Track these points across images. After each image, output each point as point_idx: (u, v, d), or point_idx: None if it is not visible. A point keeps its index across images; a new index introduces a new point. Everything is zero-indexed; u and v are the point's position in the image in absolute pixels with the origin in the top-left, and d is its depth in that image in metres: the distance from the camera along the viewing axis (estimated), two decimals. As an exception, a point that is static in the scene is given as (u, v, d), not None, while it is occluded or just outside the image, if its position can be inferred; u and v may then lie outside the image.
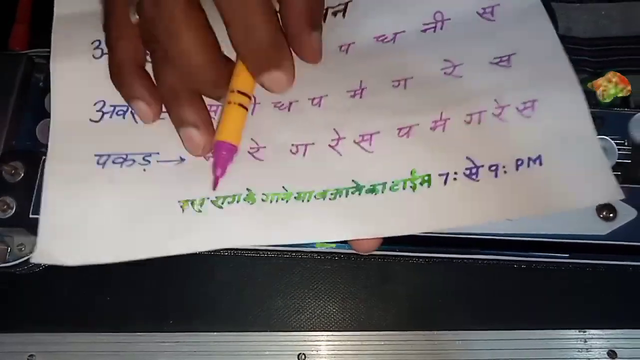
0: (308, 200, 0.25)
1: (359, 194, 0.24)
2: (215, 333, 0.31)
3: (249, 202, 0.25)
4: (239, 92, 0.24)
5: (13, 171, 0.28)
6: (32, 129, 0.30)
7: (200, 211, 0.24)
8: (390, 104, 0.26)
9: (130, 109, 0.26)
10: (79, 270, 0.30)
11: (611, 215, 0.27)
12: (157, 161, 0.25)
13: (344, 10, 0.28)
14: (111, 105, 0.26)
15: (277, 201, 0.25)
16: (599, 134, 0.29)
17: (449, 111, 0.25)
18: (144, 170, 0.25)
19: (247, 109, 0.25)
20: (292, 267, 0.32)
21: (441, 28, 0.28)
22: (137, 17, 0.24)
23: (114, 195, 0.25)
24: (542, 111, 0.24)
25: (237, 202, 0.25)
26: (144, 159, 0.25)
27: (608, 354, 0.30)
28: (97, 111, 0.26)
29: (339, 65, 0.27)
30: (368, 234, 0.24)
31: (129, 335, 0.31)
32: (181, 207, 0.25)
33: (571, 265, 0.29)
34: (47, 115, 0.30)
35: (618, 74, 0.39)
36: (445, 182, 0.24)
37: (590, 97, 0.33)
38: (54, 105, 0.26)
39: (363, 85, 0.26)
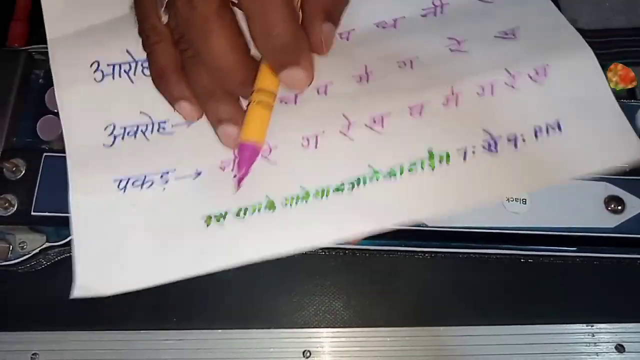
0: (327, 196, 0.24)
1: (377, 180, 0.24)
2: (219, 330, 0.30)
3: (270, 210, 0.24)
4: (262, 90, 0.24)
5: (14, 168, 0.28)
6: (33, 126, 0.29)
7: (224, 225, 0.24)
8: (399, 84, 0.25)
9: (139, 128, 0.26)
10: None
11: (619, 207, 0.27)
12: (175, 178, 0.25)
13: None
14: (121, 127, 0.26)
15: (297, 203, 0.24)
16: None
17: (459, 85, 0.24)
18: (164, 189, 0.25)
19: (271, 108, 0.25)
20: (297, 264, 0.32)
21: (441, 12, 0.27)
22: (167, 17, 0.25)
23: (140, 220, 0.25)
24: (555, 75, 0.24)
25: (259, 211, 0.24)
26: (161, 177, 0.25)
27: (616, 347, 0.30)
28: (109, 135, 0.26)
29: (341, 52, 0.27)
30: (393, 223, 0.23)
31: (132, 333, 0.31)
32: (205, 222, 0.24)
33: (579, 259, 0.29)
34: (48, 111, 0.30)
35: (622, 65, 0.38)
36: (464, 158, 0.23)
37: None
38: (67, 135, 0.26)
39: (369, 69, 0.26)
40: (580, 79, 0.24)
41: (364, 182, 0.24)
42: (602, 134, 0.23)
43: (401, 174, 0.24)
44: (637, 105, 0.29)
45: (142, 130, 0.26)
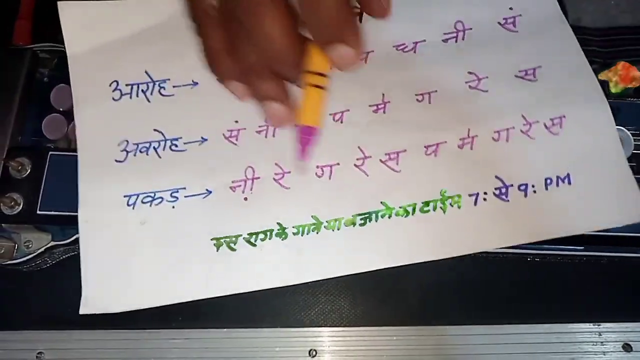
0: (338, 229, 0.24)
1: (389, 217, 0.24)
2: (225, 329, 0.30)
3: (281, 238, 0.25)
4: (313, 73, 0.24)
5: (20, 167, 0.28)
6: (38, 125, 0.29)
7: (234, 250, 0.24)
8: (416, 120, 0.25)
9: (152, 145, 0.26)
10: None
11: (627, 206, 0.27)
12: (185, 196, 0.25)
13: (360, 16, 0.27)
14: (134, 144, 0.27)
15: (308, 233, 0.25)
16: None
17: (476, 128, 0.25)
18: (173, 207, 0.25)
19: (324, 89, 0.24)
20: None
21: (463, 38, 0.27)
22: (217, 0, 0.25)
23: (149, 238, 0.25)
24: (570, 128, 0.24)
25: (270, 238, 0.25)
26: (171, 195, 0.26)
27: (623, 347, 0.30)
28: (122, 151, 0.26)
29: (358, 76, 0.27)
30: (401, 262, 0.24)
31: (138, 332, 0.30)
32: (215, 245, 0.25)
33: (585, 258, 0.29)
34: (54, 110, 0.29)
35: (622, 64, 0.38)
36: (475, 203, 0.24)
37: (603, 87, 0.32)
38: (80, 152, 0.27)
39: (386, 99, 0.26)
40: (594, 134, 0.24)
41: (376, 219, 0.24)
42: (610, 193, 0.24)
43: (413, 214, 0.24)
44: (644, 103, 0.29)
45: (154, 147, 0.26)
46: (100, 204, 0.26)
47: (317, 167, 0.25)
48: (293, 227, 0.25)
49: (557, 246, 0.28)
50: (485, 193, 0.24)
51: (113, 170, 0.26)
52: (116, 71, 0.28)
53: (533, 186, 0.24)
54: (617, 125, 0.28)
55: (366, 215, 0.24)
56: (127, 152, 0.26)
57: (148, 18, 0.28)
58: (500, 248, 0.24)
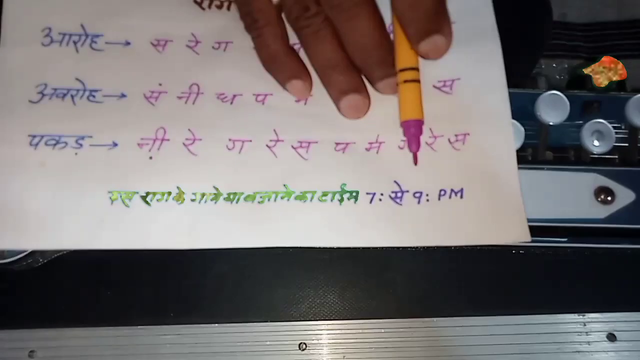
0: (237, 202, 0.25)
1: (288, 200, 0.25)
2: (216, 325, 0.31)
3: (177, 201, 0.25)
4: (406, 70, 0.25)
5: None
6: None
7: (128, 206, 0.25)
8: (333, 117, 0.27)
9: (70, 92, 0.27)
10: (78, 265, 0.30)
11: (609, 198, 0.27)
12: (90, 145, 0.26)
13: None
14: (52, 88, 0.27)
15: (205, 202, 0.25)
16: (596, 118, 0.29)
17: (385, 135, 0.26)
18: (76, 154, 0.25)
19: (419, 83, 0.25)
20: (291, 257, 0.32)
21: (392, 39, 0.28)
22: None
23: (46, 179, 0.25)
24: (472, 145, 0.26)
25: (166, 200, 0.25)
26: (76, 141, 0.26)
27: (607, 337, 0.30)
28: (38, 93, 0.27)
29: None
30: (291, 243, 0.25)
31: (129, 329, 0.31)
32: (110, 198, 0.25)
33: (570, 249, 0.29)
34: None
35: (612, 58, 0.39)
36: (371, 201, 0.25)
37: (587, 81, 0.33)
38: None
39: (312, 91, 0.27)
40: (493, 156, 0.26)
41: (275, 199, 0.25)
42: (498, 212, 0.25)
43: (311, 200, 0.25)
44: (627, 97, 0.30)
45: (72, 95, 0.27)
46: (3, 139, 0.26)
47: (230, 139, 0.26)
48: (192, 193, 0.25)
49: (541, 238, 0.28)
50: (381, 194, 0.25)
51: (23, 109, 0.26)
52: (51, 19, 0.28)
53: (427, 195, 0.25)
54: (599, 119, 0.29)
55: (266, 194, 0.25)
56: (43, 94, 0.27)
57: None
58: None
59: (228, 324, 0.31)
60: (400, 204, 0.25)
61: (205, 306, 0.31)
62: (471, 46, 0.27)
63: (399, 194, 0.25)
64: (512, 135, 0.26)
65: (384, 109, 0.26)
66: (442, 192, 0.25)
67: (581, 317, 0.31)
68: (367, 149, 0.26)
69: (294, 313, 0.31)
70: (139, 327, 0.31)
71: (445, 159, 0.26)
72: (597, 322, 0.31)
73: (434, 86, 0.27)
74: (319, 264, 0.32)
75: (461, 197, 0.25)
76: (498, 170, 0.25)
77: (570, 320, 0.31)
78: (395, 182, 0.26)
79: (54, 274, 0.31)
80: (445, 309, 0.31)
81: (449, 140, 0.26)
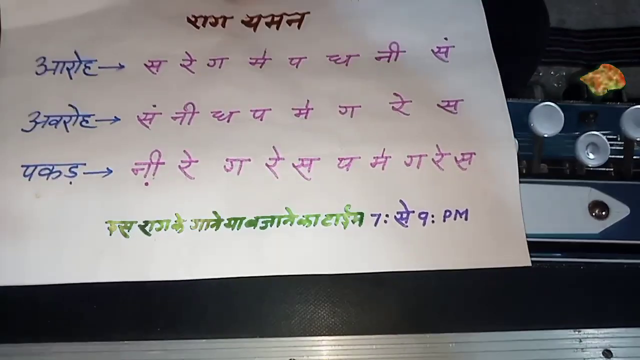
0: (238, 229, 0.24)
1: (291, 225, 0.25)
2: (203, 340, 0.30)
3: (177, 230, 0.24)
4: None
5: None
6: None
7: (127, 236, 0.24)
8: (335, 131, 0.26)
9: (63, 119, 0.26)
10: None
11: (603, 213, 0.27)
12: (84, 173, 0.25)
13: (300, 21, 0.28)
14: (45, 116, 0.26)
15: (206, 229, 0.24)
16: (592, 130, 0.28)
17: (391, 149, 0.26)
18: (71, 183, 0.25)
19: None
20: (281, 272, 0.31)
21: (395, 59, 0.28)
22: None
23: (41, 212, 0.25)
24: (477, 166, 0.25)
25: (165, 229, 0.25)
26: (70, 170, 0.25)
27: (603, 353, 0.29)
28: (31, 121, 0.26)
29: (287, 79, 0.27)
30: (295, 271, 0.25)
31: (116, 343, 0.30)
32: (108, 229, 0.24)
33: (565, 264, 0.29)
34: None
35: (612, 66, 0.38)
36: (376, 223, 0.25)
37: (584, 90, 0.32)
38: None
39: (310, 105, 0.26)
40: (497, 178, 0.25)
41: (278, 224, 0.25)
42: (499, 235, 0.25)
43: (315, 224, 0.25)
44: (623, 107, 0.29)
45: (64, 121, 0.26)
46: None
47: (227, 160, 0.25)
48: (192, 220, 0.25)
49: (535, 253, 0.28)
50: (387, 215, 0.25)
51: (16, 139, 0.26)
52: (46, 48, 0.28)
53: (432, 216, 0.25)
54: (594, 130, 0.28)
55: (268, 219, 0.25)
56: (36, 123, 0.26)
57: (84, 4, 0.29)
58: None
59: (216, 340, 0.30)
60: (406, 226, 0.25)
61: (192, 321, 0.30)
62: (470, 70, 0.27)
63: (405, 215, 0.25)
64: (515, 157, 0.25)
65: (391, 121, 0.26)
66: (447, 213, 0.25)
67: (577, 333, 0.30)
68: (373, 165, 0.25)
69: (284, 328, 0.30)
70: (125, 342, 0.30)
71: (451, 178, 0.25)
72: (593, 338, 0.30)
73: (439, 105, 0.26)
74: (309, 278, 0.31)
75: (465, 218, 0.25)
76: (501, 194, 0.25)
77: (566, 336, 0.30)
78: (401, 201, 0.25)
79: (40, 288, 0.31)
80: (438, 325, 0.30)
81: (455, 159, 0.25)
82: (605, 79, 0.36)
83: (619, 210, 0.27)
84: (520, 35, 0.32)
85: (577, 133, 0.28)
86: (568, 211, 0.27)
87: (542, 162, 0.28)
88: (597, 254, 0.28)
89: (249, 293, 0.31)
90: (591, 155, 0.28)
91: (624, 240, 0.27)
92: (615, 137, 0.29)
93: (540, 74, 0.44)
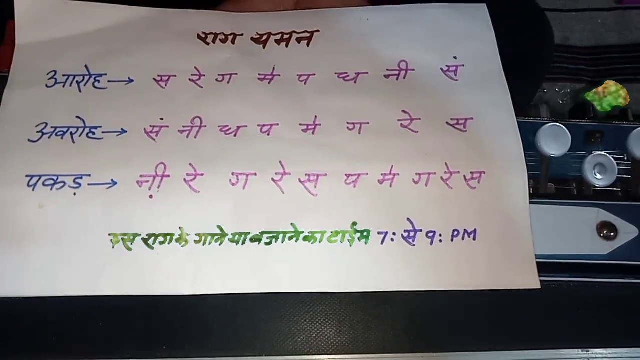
0: (243, 244, 0.24)
1: (296, 241, 0.24)
2: (209, 359, 0.30)
3: (180, 244, 0.24)
4: None
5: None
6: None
7: (130, 249, 0.24)
8: (343, 147, 0.26)
9: (70, 130, 0.26)
10: (69, 296, 0.30)
11: (612, 234, 0.27)
12: (88, 184, 0.25)
13: (309, 39, 0.28)
14: (52, 127, 0.26)
15: (210, 243, 0.24)
16: (598, 149, 0.28)
17: (399, 166, 0.25)
18: (75, 194, 0.25)
19: None
20: (287, 289, 0.31)
21: (404, 77, 0.28)
22: None
23: (45, 222, 0.25)
24: (487, 185, 0.25)
25: (169, 243, 0.24)
26: (74, 181, 0.25)
27: (612, 373, 0.29)
28: (37, 132, 0.26)
29: (295, 95, 0.27)
30: (300, 289, 0.24)
31: (121, 362, 0.30)
32: (111, 241, 0.24)
33: (573, 285, 0.29)
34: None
35: (616, 83, 0.38)
36: (382, 242, 0.24)
37: (589, 109, 0.32)
38: None
39: (317, 121, 0.26)
40: (507, 198, 0.25)
41: (283, 240, 0.24)
42: (509, 256, 0.24)
43: (320, 241, 0.24)
44: (630, 127, 0.29)
45: (71, 133, 0.26)
46: (1, 181, 0.25)
47: (233, 174, 0.25)
48: (196, 234, 0.24)
49: (544, 273, 0.27)
50: (394, 234, 0.25)
51: (22, 149, 0.26)
52: (57, 63, 0.28)
53: (440, 235, 0.25)
54: (601, 150, 0.28)
55: (273, 235, 0.24)
56: (43, 133, 0.26)
57: (96, 21, 0.29)
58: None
59: (222, 358, 0.30)
60: (413, 245, 0.24)
61: (198, 339, 0.30)
62: (480, 89, 0.27)
63: (412, 234, 0.25)
64: (526, 180, 0.25)
65: (399, 138, 0.26)
66: (456, 233, 0.25)
67: (585, 352, 0.30)
68: (380, 182, 0.25)
69: (290, 347, 0.30)
70: (130, 360, 0.30)
71: (460, 197, 0.25)
72: (602, 358, 0.30)
73: (448, 123, 0.26)
74: (316, 295, 0.31)
75: (474, 238, 0.25)
76: (512, 214, 0.25)
77: (574, 355, 0.30)
78: (408, 219, 0.25)
79: (44, 304, 0.30)
80: (446, 344, 0.30)
81: (464, 177, 0.25)
82: (610, 95, 0.36)
83: (628, 232, 0.27)
84: (525, 55, 0.32)
85: (584, 152, 0.29)
86: (576, 232, 0.27)
87: (549, 182, 0.28)
88: (605, 274, 0.27)
89: (255, 311, 0.31)
90: (599, 176, 0.28)
91: (632, 262, 0.27)
92: (622, 156, 0.29)
93: (545, 90, 0.45)
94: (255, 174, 0.25)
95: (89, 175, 0.25)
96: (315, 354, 0.30)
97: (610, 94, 0.39)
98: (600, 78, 0.42)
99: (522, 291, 0.30)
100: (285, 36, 0.28)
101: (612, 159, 0.28)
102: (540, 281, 0.29)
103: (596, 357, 0.30)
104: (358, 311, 0.31)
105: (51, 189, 0.25)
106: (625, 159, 0.29)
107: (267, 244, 0.24)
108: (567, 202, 0.27)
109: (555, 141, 0.28)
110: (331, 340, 0.30)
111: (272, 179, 0.25)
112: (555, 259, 0.26)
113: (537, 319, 0.30)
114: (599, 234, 0.27)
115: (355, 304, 0.31)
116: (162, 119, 0.26)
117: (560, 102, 0.42)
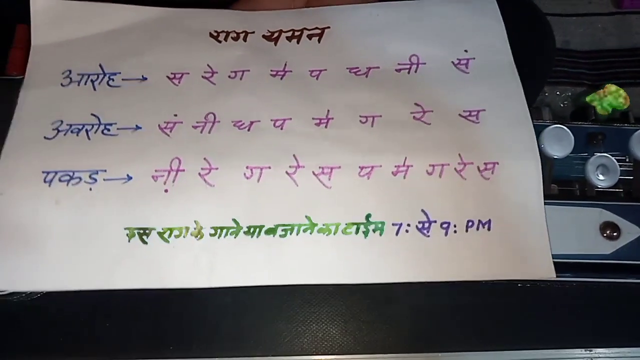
0: (258, 237, 0.24)
1: (311, 233, 0.24)
2: (216, 359, 0.30)
3: (196, 237, 0.24)
4: None
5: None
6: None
7: (146, 243, 0.24)
8: (356, 140, 0.26)
9: (85, 127, 0.27)
10: (77, 296, 0.30)
11: (615, 234, 0.27)
12: (104, 179, 0.25)
13: (320, 36, 0.28)
14: (68, 124, 0.27)
15: (225, 236, 0.24)
16: (600, 151, 0.29)
17: (413, 158, 0.25)
18: (90, 189, 0.25)
19: None
20: (293, 290, 0.31)
21: (415, 71, 0.28)
22: None
23: (61, 217, 0.25)
24: (500, 176, 0.25)
25: (184, 236, 0.24)
26: (90, 176, 0.25)
27: (615, 373, 0.30)
28: (53, 129, 0.27)
29: (307, 90, 0.27)
30: (315, 280, 0.24)
31: (128, 362, 0.30)
32: (127, 235, 0.24)
33: (576, 284, 0.29)
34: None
35: (616, 86, 0.39)
36: (397, 233, 0.24)
37: (590, 112, 0.33)
38: (12, 130, 0.27)
39: (330, 115, 0.27)
40: (521, 187, 0.25)
41: (297, 232, 0.24)
42: (523, 246, 0.24)
43: (335, 233, 0.24)
44: (631, 129, 0.29)
45: (86, 130, 0.26)
46: (18, 177, 0.25)
47: (247, 167, 0.25)
48: (211, 227, 0.24)
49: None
50: (408, 225, 0.25)
51: (38, 146, 0.26)
52: (72, 62, 0.28)
53: (455, 226, 0.25)
54: (603, 151, 0.29)
55: (288, 227, 0.24)
56: (59, 131, 0.26)
57: (110, 21, 0.29)
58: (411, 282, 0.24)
59: (228, 358, 0.30)
60: (428, 236, 0.24)
61: (205, 339, 0.31)
62: (492, 81, 0.27)
63: (427, 225, 0.24)
64: (539, 170, 0.25)
65: (412, 130, 0.26)
66: (470, 223, 0.24)
67: (588, 352, 0.30)
68: (394, 173, 0.25)
69: (296, 347, 0.30)
70: (138, 360, 0.30)
71: (474, 187, 0.25)
72: (604, 358, 0.30)
73: (460, 115, 0.26)
74: (321, 296, 0.32)
75: (488, 229, 0.24)
76: (526, 204, 0.25)
77: (577, 355, 0.30)
78: (423, 211, 0.25)
79: (53, 305, 0.31)
80: (450, 344, 0.30)
81: (478, 168, 0.25)
82: (610, 95, 0.37)
83: (630, 232, 0.27)
84: (527, 59, 0.32)
85: (586, 154, 0.29)
86: (579, 232, 0.27)
87: (552, 183, 0.29)
88: (608, 274, 0.28)
89: (261, 311, 0.31)
90: (601, 177, 0.28)
91: (635, 261, 0.27)
92: (623, 157, 0.29)
93: (546, 94, 0.45)
94: (270, 168, 0.25)
95: (105, 171, 0.25)
96: (321, 354, 0.30)
97: (610, 94, 0.39)
98: (600, 81, 0.42)
99: (526, 291, 0.30)
100: (297, 33, 0.29)
101: (614, 160, 0.28)
102: (545, 281, 0.29)
103: (599, 357, 0.30)
104: (363, 312, 0.31)
105: (67, 185, 0.25)
106: (627, 160, 0.29)
107: (281, 236, 0.24)
108: (570, 203, 0.27)
109: (558, 143, 0.28)
110: (337, 341, 0.31)
111: (286, 172, 0.25)
112: (559, 259, 0.27)
113: (540, 318, 0.31)
114: (601, 234, 0.27)
115: (360, 305, 0.31)
116: (176, 115, 0.27)
117: (561, 105, 0.42)
